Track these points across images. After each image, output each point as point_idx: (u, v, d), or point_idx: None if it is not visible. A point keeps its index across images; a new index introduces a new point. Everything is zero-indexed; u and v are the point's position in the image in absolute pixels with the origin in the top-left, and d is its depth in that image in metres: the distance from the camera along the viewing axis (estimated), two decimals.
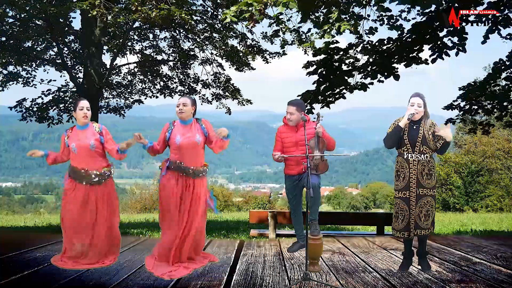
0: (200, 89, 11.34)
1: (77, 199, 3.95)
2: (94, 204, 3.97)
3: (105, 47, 10.22)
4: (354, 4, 6.39)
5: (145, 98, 11.58)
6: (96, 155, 4.00)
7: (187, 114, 3.87)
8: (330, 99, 7.55)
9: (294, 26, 7.72)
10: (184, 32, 10.57)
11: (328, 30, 5.58)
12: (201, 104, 11.63)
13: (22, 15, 8.94)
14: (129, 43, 11.00)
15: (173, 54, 11.21)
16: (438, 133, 3.71)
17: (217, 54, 10.88)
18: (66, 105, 10.68)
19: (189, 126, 3.89)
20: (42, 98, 10.61)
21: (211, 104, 11.61)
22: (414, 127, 3.77)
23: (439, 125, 3.76)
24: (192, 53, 10.94)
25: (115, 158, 4.10)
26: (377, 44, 7.29)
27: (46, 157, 4.06)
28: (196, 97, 11.38)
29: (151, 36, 11.11)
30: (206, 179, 4.02)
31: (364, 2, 6.56)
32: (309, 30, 8.35)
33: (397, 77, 7.06)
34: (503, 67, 7.51)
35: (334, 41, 6.84)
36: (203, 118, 4.01)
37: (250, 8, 4.66)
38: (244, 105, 11.29)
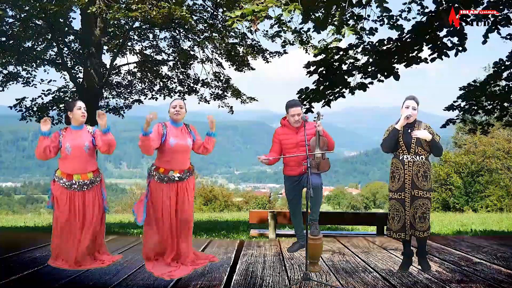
0: (199, 89, 11.35)
1: (66, 205, 3.95)
2: (81, 210, 3.97)
3: (105, 47, 10.22)
4: (354, 4, 6.39)
5: (145, 98, 11.59)
6: (88, 157, 4.00)
7: (182, 116, 3.92)
8: (330, 97, 7.54)
9: (295, 27, 7.73)
10: (184, 32, 10.56)
11: (334, 36, 5.64)
12: (198, 103, 11.65)
13: (22, 15, 8.93)
14: (129, 43, 10.99)
15: (173, 54, 11.21)
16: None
17: (218, 53, 10.87)
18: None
19: (180, 129, 3.94)
20: (42, 98, 10.61)
21: (209, 103, 11.61)
22: (409, 130, 3.81)
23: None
24: (192, 52, 10.93)
25: (102, 148, 3.99)
26: (377, 44, 7.29)
27: (45, 137, 3.82)
28: (195, 97, 11.40)
29: (151, 36, 11.10)
30: (193, 178, 4.08)
31: (364, 2, 6.55)
32: (309, 29, 8.32)
33: (397, 77, 7.05)
34: (503, 67, 7.50)
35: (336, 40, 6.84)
36: (190, 124, 4.09)
37: (254, 14, 4.69)
38: (248, 103, 11.28)
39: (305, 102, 7.46)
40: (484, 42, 6.84)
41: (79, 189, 3.96)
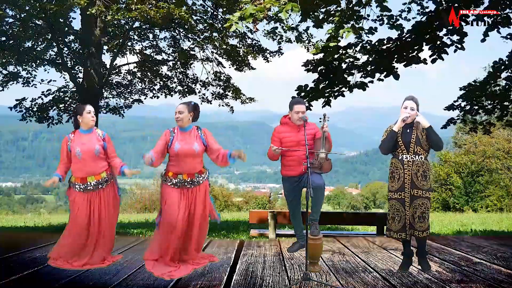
0: (199, 89, 11.35)
1: (82, 208, 3.97)
2: (97, 210, 4.00)
3: (105, 47, 10.22)
4: (354, 5, 6.38)
5: (145, 98, 11.60)
6: (98, 159, 4.02)
7: (184, 121, 3.89)
8: (330, 97, 7.54)
9: (292, 24, 7.72)
10: (184, 32, 10.56)
11: (333, 34, 5.63)
12: (201, 103, 11.65)
13: (22, 15, 8.94)
14: (129, 43, 10.99)
15: (172, 54, 11.21)
16: (417, 118, 3.78)
17: (218, 53, 10.86)
18: (66, 105, 10.68)
19: (188, 133, 3.91)
20: (42, 98, 10.60)
21: (211, 104, 11.62)
22: (408, 130, 3.82)
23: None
24: (192, 52, 10.93)
25: (114, 171, 4.14)
26: (376, 43, 7.29)
27: (61, 179, 4.02)
28: (195, 97, 11.39)
29: (151, 36, 11.10)
30: (207, 182, 4.04)
31: (364, 2, 6.54)
32: (308, 28, 8.33)
33: (397, 77, 7.05)
34: (503, 67, 7.49)
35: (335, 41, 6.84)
36: (204, 128, 4.03)
37: (253, 16, 4.69)
38: (247, 103, 11.28)
39: (304, 101, 7.46)
40: (483, 40, 6.83)
41: (94, 188, 3.97)
